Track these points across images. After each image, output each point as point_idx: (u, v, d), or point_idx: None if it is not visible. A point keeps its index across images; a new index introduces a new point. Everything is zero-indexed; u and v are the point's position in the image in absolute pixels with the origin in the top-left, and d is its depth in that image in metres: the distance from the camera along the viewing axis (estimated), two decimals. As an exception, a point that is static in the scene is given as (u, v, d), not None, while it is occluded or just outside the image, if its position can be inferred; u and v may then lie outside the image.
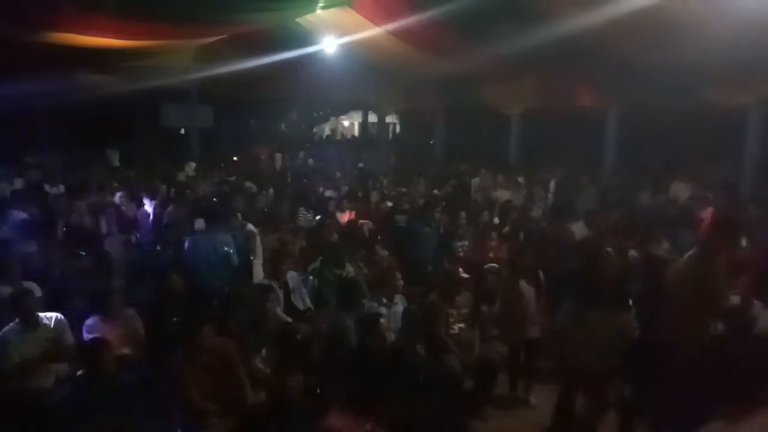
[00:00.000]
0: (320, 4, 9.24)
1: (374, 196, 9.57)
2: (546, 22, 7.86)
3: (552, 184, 10.90)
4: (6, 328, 4.39)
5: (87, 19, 7.80)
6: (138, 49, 10.70)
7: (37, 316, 4.48)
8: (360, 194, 9.75)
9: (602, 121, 11.99)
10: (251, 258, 6.51)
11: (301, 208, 8.58)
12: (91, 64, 11.85)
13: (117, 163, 14.59)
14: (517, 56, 9.14)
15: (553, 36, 7.83)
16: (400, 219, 8.04)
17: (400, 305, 5.61)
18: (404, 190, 10.65)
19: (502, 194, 9.81)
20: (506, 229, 7.58)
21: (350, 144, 24.61)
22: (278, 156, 16.56)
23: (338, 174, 12.65)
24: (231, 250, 6.15)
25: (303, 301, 5.73)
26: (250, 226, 6.80)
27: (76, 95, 14.40)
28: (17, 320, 4.44)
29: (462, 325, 5.07)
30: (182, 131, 19.04)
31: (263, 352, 5.00)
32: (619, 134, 11.89)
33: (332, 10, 9.70)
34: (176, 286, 5.27)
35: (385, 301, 5.29)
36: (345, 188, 10.58)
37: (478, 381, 4.98)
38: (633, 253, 6.06)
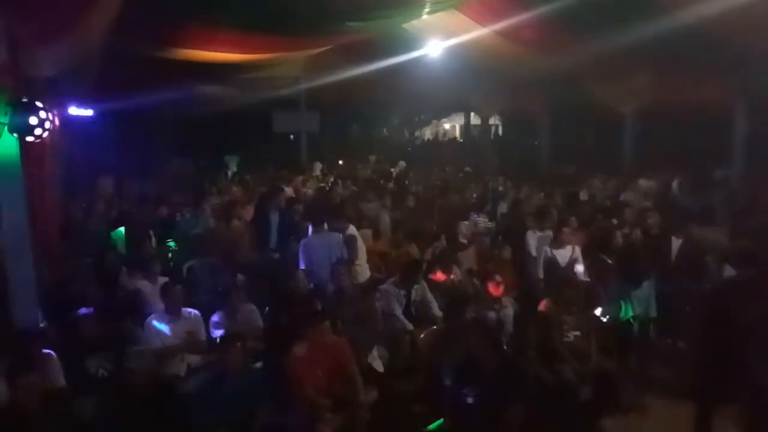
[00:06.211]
0: (426, 10, 9.28)
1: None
2: (663, 12, 7.37)
3: (675, 185, 10.19)
4: (151, 316, 4.82)
5: (211, 35, 8.39)
6: (254, 61, 11.35)
7: (179, 308, 4.89)
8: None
9: (728, 118, 11.02)
10: (352, 260, 6.65)
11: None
12: (211, 76, 12.73)
13: (235, 168, 15.41)
14: (632, 51, 8.64)
15: (671, 27, 7.33)
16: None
17: (509, 308, 5.54)
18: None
19: (626, 196, 9.34)
20: (625, 230, 7.15)
21: (454, 146, 24.46)
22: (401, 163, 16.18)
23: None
24: (339, 252, 6.33)
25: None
26: (352, 229, 6.93)
27: (197, 105, 15.55)
28: (161, 310, 4.88)
29: (578, 332, 4.88)
30: (291, 137, 19.89)
31: (374, 351, 5.13)
32: (749, 132, 10.86)
33: (437, 14, 9.73)
34: (300, 285, 5.51)
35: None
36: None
37: (596, 392, 4.76)
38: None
